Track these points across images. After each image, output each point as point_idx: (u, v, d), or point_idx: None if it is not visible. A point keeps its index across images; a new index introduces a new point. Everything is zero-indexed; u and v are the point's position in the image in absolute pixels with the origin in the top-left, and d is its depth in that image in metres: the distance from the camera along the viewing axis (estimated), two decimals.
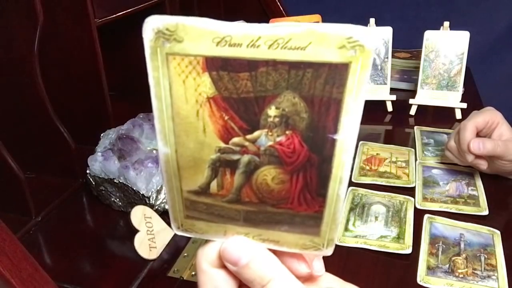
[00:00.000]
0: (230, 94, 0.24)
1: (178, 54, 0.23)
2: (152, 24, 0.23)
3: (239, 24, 0.23)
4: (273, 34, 0.22)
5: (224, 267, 0.28)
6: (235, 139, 0.26)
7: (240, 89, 0.24)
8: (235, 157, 0.26)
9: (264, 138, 0.25)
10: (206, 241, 0.29)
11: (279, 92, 0.24)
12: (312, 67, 0.23)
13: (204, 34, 0.23)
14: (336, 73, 0.23)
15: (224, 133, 0.25)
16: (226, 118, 0.25)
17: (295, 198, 0.27)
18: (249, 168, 0.26)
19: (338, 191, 0.26)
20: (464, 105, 0.98)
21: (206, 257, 0.28)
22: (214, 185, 0.27)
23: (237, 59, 0.23)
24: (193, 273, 0.60)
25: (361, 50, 0.22)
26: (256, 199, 0.27)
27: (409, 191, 0.75)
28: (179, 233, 0.29)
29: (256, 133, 0.25)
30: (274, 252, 0.28)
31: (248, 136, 0.26)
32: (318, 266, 0.30)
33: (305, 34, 0.22)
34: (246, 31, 0.23)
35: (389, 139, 0.95)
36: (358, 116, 0.24)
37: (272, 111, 0.25)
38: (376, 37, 0.21)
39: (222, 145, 0.26)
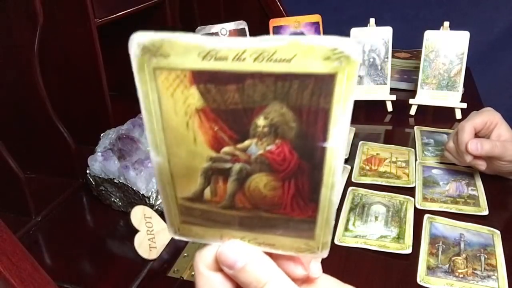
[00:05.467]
0: (218, 106, 0.24)
1: (165, 68, 0.24)
2: (138, 40, 0.23)
3: (224, 38, 0.23)
4: (258, 47, 0.23)
5: (221, 270, 0.28)
6: (226, 148, 0.26)
7: (228, 101, 0.24)
8: (227, 165, 0.26)
9: (254, 147, 0.26)
10: (203, 244, 0.29)
11: (267, 103, 0.24)
12: (298, 79, 0.23)
13: (190, 49, 0.23)
14: (322, 84, 0.23)
15: (215, 142, 0.26)
16: (215, 128, 0.25)
17: (288, 204, 0.27)
18: (241, 176, 0.27)
19: (331, 197, 0.26)
20: (464, 105, 0.98)
21: (203, 261, 0.29)
22: (207, 192, 0.28)
23: (223, 72, 0.23)
24: (193, 273, 0.59)
25: (347, 61, 0.22)
26: (249, 205, 0.28)
27: (409, 191, 0.75)
28: (176, 237, 0.30)
29: (246, 142, 0.26)
30: (270, 255, 0.29)
31: (239, 145, 0.26)
32: (315, 269, 0.30)
33: (290, 47, 0.22)
34: (231, 45, 0.23)
35: (389, 139, 0.95)
36: (346, 124, 0.24)
37: (260, 121, 0.25)
38: (361, 49, 0.21)
39: (214, 154, 0.26)
